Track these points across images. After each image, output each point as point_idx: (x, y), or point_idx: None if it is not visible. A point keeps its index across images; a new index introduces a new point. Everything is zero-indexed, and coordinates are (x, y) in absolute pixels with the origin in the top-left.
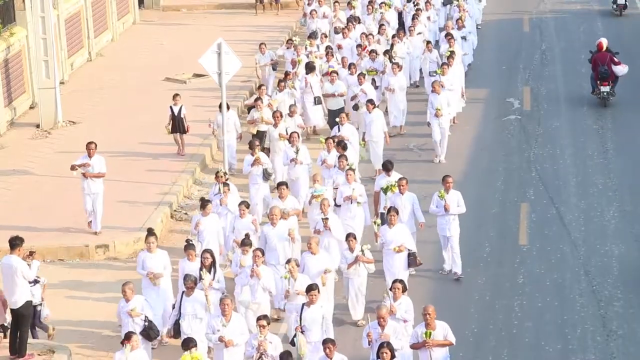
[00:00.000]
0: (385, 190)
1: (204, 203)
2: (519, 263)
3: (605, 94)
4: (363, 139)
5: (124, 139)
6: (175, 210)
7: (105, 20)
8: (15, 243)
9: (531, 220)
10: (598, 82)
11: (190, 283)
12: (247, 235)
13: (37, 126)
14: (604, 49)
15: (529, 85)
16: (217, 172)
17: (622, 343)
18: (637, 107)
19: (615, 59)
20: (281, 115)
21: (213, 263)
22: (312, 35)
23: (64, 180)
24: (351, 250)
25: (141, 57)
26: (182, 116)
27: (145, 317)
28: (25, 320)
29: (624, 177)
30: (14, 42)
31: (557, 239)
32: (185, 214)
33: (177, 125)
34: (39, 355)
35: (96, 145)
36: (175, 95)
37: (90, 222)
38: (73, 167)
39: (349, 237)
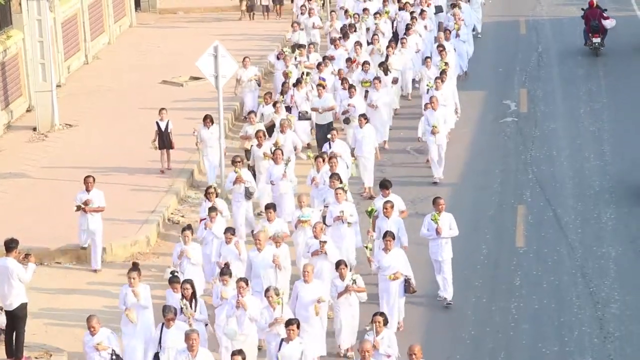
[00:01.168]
0: (369, 214)
1: (184, 231)
2: (516, 265)
3: (596, 44)
4: (353, 155)
5: (121, 142)
6: (172, 214)
7: (101, 23)
8: (10, 246)
9: (528, 222)
10: (590, 34)
11: (170, 315)
12: (226, 265)
13: (34, 129)
14: (595, 5)
15: (526, 87)
16: (208, 188)
17: (620, 345)
18: (633, 109)
19: (604, 15)
20: (264, 135)
21: (194, 294)
22: (301, 45)
23: (60, 183)
24: (342, 278)
25: (138, 60)
26: (169, 131)
27: (113, 350)
28: (21, 322)
29: (620, 179)
30: (11, 45)
31: (554, 241)
32: (182, 216)
33: (164, 140)
34: (36, 358)
35: (94, 179)
36: (162, 110)
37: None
38: (79, 208)
39: (340, 264)
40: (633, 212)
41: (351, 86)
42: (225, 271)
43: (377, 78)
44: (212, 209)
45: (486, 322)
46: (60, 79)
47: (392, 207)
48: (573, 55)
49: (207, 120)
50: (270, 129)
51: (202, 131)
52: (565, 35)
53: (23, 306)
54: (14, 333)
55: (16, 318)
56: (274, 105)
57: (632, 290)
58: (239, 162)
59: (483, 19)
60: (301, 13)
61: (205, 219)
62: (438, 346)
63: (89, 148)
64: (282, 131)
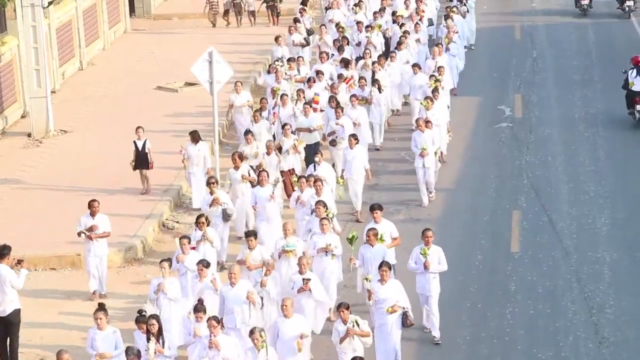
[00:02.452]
0: (350, 241)
1: (161, 263)
2: (511, 270)
3: (584, 6)
4: (342, 177)
5: (116, 148)
6: (166, 219)
7: (96, 29)
8: (3, 252)
9: (523, 227)
10: None
11: (133, 357)
12: (200, 301)
13: (29, 135)
14: None
15: (521, 92)
16: (198, 217)
17: (615, 350)
18: (627, 115)
19: None
20: (241, 158)
21: (160, 330)
22: (291, 59)
23: (55, 190)
24: (344, 322)
25: (132, 65)
26: (146, 151)
27: None
28: (15, 328)
29: (615, 184)
30: (5, 52)
31: (549, 247)
32: (177, 222)
33: (141, 160)
34: None
35: (99, 203)
36: (138, 129)
37: (93, 294)
38: (82, 234)
39: (341, 307)
40: (628, 218)
41: (338, 105)
42: (199, 307)
43: (353, 95)
44: (185, 237)
45: (481, 328)
46: (55, 85)
47: (374, 235)
48: (568, 61)
49: (194, 136)
50: (278, 151)
51: (189, 148)
52: (560, 40)
53: (16, 312)
54: (8, 340)
55: (10, 324)
56: (283, 127)
57: (627, 295)
58: (214, 183)
59: (477, 24)
60: (289, 33)
61: (194, 247)
62: (433, 351)
63: (84, 154)
64: (267, 153)
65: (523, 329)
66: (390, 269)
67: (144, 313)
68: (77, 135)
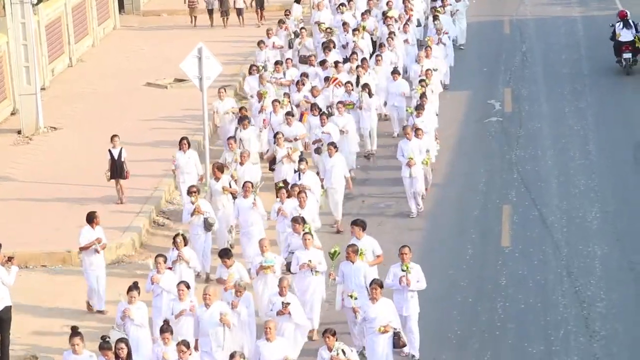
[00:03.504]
0: (332, 256)
1: (130, 288)
2: (502, 265)
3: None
4: (322, 186)
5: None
6: (157, 215)
7: (85, 26)
8: None
9: (513, 222)
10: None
11: None
12: (166, 322)
13: (19, 132)
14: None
15: (510, 86)
16: (175, 236)
17: (605, 344)
18: (617, 108)
19: None
20: (221, 169)
21: (130, 354)
22: (278, 61)
23: (46, 186)
24: (329, 349)
25: (122, 62)
26: (122, 160)
27: None
28: (6, 325)
29: (605, 178)
30: None
31: (540, 241)
32: (168, 218)
33: (117, 170)
34: None
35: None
36: (114, 137)
37: (89, 305)
38: (95, 248)
39: (327, 332)
40: (618, 211)
41: (322, 113)
42: (165, 328)
43: (340, 102)
44: (160, 255)
45: (472, 322)
46: (45, 82)
47: (354, 251)
48: (557, 55)
49: (184, 143)
50: (272, 162)
51: (178, 155)
52: (549, 34)
53: (7, 309)
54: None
55: (1, 321)
56: (275, 136)
57: (617, 289)
58: (195, 192)
59: (467, 19)
60: (268, 36)
61: (170, 268)
62: (424, 346)
63: (74, 151)
64: (241, 163)
65: (514, 323)
66: (381, 287)
67: (107, 339)
68: (67, 132)
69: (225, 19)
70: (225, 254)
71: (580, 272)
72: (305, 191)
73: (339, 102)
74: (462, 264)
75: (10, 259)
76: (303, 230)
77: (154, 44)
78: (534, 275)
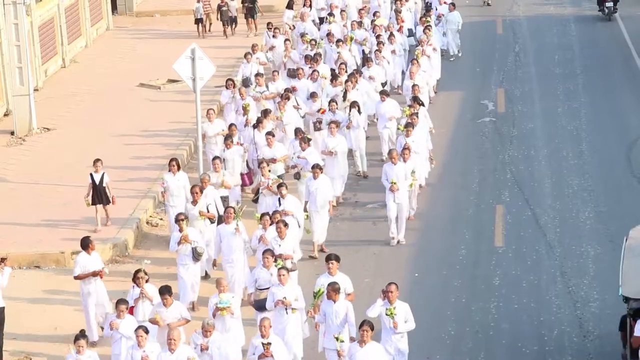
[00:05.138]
0: (315, 295)
1: (76, 337)
2: (495, 265)
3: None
4: (305, 210)
5: (99, 146)
6: (150, 216)
7: (78, 27)
8: None
9: (506, 222)
10: None
11: None
12: None
13: (12, 133)
14: None
15: (503, 87)
16: (136, 272)
17: (599, 344)
18: (611, 108)
19: None
20: (200, 191)
21: None
22: (259, 74)
23: (39, 187)
24: None
25: (115, 63)
26: (104, 185)
27: None
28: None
29: (598, 178)
30: None
31: (533, 241)
32: (160, 219)
33: (99, 196)
34: None
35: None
36: (96, 161)
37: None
38: (96, 275)
39: None
40: (611, 211)
41: (304, 137)
42: None
43: (333, 122)
44: (122, 301)
45: (466, 322)
46: (38, 83)
47: (335, 290)
48: (550, 55)
49: (173, 165)
50: (256, 192)
51: (167, 177)
52: (542, 34)
53: (1, 310)
54: None
55: None
56: (259, 165)
57: (611, 289)
58: (183, 220)
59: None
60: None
61: (133, 306)
62: (418, 346)
63: (67, 151)
64: (201, 189)
65: (507, 323)
66: (372, 329)
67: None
68: (60, 132)
69: (232, 28)
70: (165, 290)
71: (573, 272)
72: (284, 220)
73: (332, 122)
74: (456, 264)
75: (3, 260)
76: (275, 265)
77: (147, 45)
78: (527, 275)
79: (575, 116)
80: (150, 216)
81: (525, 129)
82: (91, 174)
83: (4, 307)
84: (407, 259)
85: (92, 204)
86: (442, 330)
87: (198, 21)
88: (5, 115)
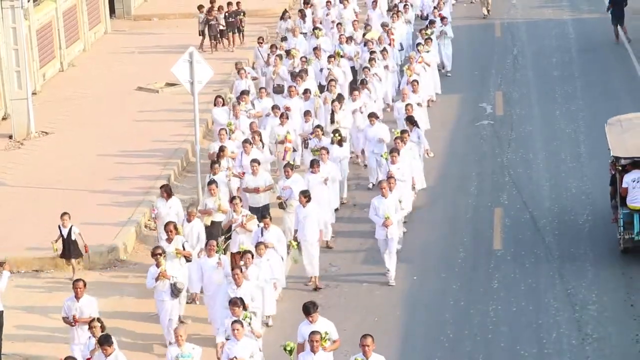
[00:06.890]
0: (287, 351)
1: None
2: (494, 268)
3: None
4: (295, 239)
5: (97, 149)
6: (148, 220)
7: (76, 31)
8: None
9: (505, 224)
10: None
11: None
12: None
13: (10, 137)
14: None
15: (502, 90)
16: (91, 321)
17: (598, 346)
18: (608, 110)
19: None
20: (175, 228)
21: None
22: (244, 91)
23: (37, 191)
24: None
25: (113, 66)
26: (73, 238)
27: None
28: None
29: (597, 181)
30: None
31: (531, 244)
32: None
33: (69, 249)
34: None
35: (85, 284)
36: (63, 215)
37: None
38: (68, 321)
39: None
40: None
41: (287, 164)
42: None
43: (324, 148)
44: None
45: (464, 325)
46: (36, 87)
47: (318, 340)
48: (548, 58)
49: (164, 190)
50: (228, 230)
51: (159, 203)
52: (540, 37)
53: (0, 314)
54: None
55: None
56: (232, 201)
57: (609, 292)
58: (160, 254)
59: (458, 21)
60: (252, 67)
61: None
62: (416, 349)
63: (65, 155)
64: (188, 220)
65: (506, 326)
66: None
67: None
68: (58, 136)
69: (217, 42)
70: (105, 340)
71: (572, 275)
72: (251, 255)
73: (322, 148)
74: (454, 267)
75: (1, 264)
76: (243, 318)
77: (145, 48)
78: (526, 278)
79: (574, 119)
80: (148, 220)
81: (523, 132)
82: (59, 226)
83: (2, 311)
84: (406, 263)
85: (62, 257)
86: (440, 333)
87: (202, 33)
88: (4, 119)
